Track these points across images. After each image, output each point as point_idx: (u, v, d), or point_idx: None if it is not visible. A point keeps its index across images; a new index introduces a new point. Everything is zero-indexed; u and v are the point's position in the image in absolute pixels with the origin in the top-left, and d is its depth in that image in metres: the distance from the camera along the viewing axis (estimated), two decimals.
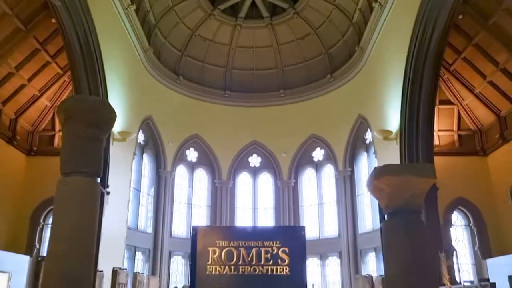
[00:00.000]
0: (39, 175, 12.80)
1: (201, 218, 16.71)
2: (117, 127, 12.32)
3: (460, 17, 10.57)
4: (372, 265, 14.34)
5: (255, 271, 9.02)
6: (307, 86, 16.68)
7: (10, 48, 11.00)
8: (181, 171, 16.81)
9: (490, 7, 10.26)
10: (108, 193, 11.36)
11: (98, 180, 3.93)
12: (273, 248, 9.09)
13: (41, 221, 12.93)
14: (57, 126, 13.65)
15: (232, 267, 9.05)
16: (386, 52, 12.74)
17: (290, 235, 9.94)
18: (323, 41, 16.28)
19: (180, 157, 16.63)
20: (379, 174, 4.46)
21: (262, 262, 9.02)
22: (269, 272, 9.00)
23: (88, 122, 3.35)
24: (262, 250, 9.07)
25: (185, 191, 16.80)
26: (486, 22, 10.59)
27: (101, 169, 3.74)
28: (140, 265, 14.61)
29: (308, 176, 17.15)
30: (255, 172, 17.52)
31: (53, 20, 10.70)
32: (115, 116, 3.53)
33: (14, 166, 12.93)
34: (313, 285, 14.32)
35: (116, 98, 12.33)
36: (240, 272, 9.01)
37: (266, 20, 16.40)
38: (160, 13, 14.98)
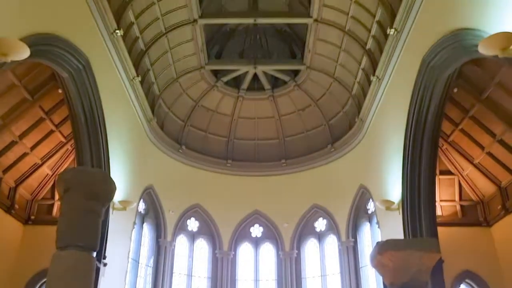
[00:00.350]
0: (36, 245, 12.59)
1: None
2: (118, 196, 12.26)
3: (455, 90, 10.86)
4: None
5: None
6: (308, 156, 16.79)
7: (15, 117, 11.20)
8: (181, 241, 16.53)
9: (483, 82, 10.55)
10: (105, 264, 11.10)
11: (94, 254, 3.85)
12: None
13: None
14: (57, 195, 13.61)
15: None
16: (385, 123, 12.95)
17: None
18: (324, 113, 16.61)
19: (181, 227, 16.42)
20: (382, 249, 4.38)
21: None
22: None
23: (87, 194, 3.35)
24: None
25: (185, 261, 16.41)
26: (480, 96, 10.84)
27: (98, 242, 3.68)
28: None
29: (310, 246, 16.82)
30: (256, 242, 17.21)
31: (60, 91, 10.99)
32: (115, 189, 3.53)
33: (10, 235, 12.74)
34: None
35: (118, 167, 12.40)
36: None
37: (267, 92, 16.85)
38: (165, 85, 15.41)
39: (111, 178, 3.54)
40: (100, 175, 3.47)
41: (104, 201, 3.46)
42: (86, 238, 3.40)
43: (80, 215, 3.21)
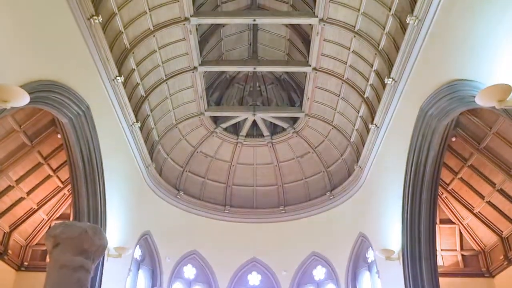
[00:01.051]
0: None
1: None
2: (113, 243, 12.06)
3: (453, 139, 10.90)
4: None
5: None
6: (307, 203, 16.64)
7: (13, 162, 11.18)
8: None
9: (481, 131, 10.61)
10: None
11: None
12: None
13: None
14: None
15: None
16: (384, 171, 12.90)
17: None
18: (322, 160, 16.61)
19: (177, 274, 16.04)
20: None
21: None
22: None
23: (77, 251, 3.26)
24: None
25: None
26: (478, 145, 10.88)
27: None
28: None
29: None
30: None
31: (59, 136, 11.01)
32: (107, 244, 3.46)
33: (2, 282, 12.45)
34: None
35: (115, 213, 12.25)
36: None
37: (266, 139, 16.90)
38: (164, 131, 15.47)
39: (103, 233, 3.46)
40: (91, 230, 3.39)
41: (95, 257, 3.35)
42: None
43: (68, 273, 3.11)
